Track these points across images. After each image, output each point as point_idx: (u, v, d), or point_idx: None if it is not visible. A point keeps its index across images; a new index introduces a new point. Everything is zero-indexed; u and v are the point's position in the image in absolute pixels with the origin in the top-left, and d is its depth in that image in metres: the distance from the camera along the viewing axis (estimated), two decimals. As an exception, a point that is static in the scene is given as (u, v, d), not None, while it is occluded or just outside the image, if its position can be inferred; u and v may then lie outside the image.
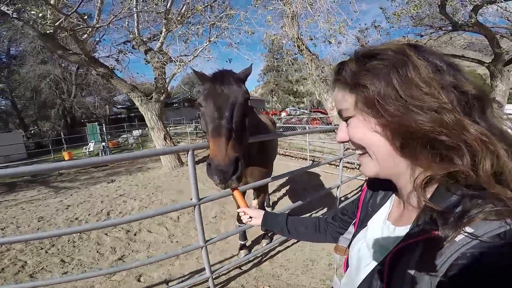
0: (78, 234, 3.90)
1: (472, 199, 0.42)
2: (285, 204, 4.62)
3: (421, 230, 0.47)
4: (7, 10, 5.52)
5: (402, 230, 0.56)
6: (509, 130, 0.49)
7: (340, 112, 0.61)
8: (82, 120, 28.21)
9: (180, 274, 2.83)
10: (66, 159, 11.62)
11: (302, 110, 29.02)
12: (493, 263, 0.37)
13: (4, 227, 4.58)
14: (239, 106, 1.46)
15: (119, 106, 38.01)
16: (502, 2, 7.48)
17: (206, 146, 1.51)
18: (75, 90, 26.36)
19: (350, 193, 5.01)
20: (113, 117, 33.88)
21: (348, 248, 0.78)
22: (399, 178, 0.57)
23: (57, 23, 5.61)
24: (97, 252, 3.42)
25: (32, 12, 5.28)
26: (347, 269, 0.78)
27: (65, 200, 5.99)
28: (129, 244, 3.59)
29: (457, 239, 0.41)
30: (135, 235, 3.86)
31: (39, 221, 4.70)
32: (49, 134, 24.12)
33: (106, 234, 3.89)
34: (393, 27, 10.31)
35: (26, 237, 2.15)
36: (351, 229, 0.82)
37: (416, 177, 0.50)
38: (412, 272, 0.45)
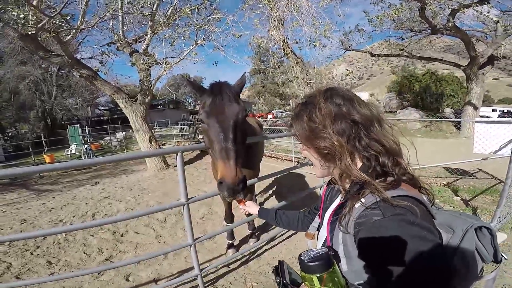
0: (64, 235, 3.85)
1: (367, 186, 0.69)
2: (271, 205, 4.73)
3: (343, 202, 0.78)
4: (-14, 10, 5.35)
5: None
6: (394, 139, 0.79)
7: None
8: (63, 122, 27.42)
9: (168, 273, 2.88)
10: (47, 162, 11.26)
11: (288, 112, 29.34)
12: (372, 219, 0.63)
13: (-16, 231, 4.45)
14: (240, 125, 1.55)
15: (101, 108, 37.22)
16: (478, 5, 7.93)
17: (194, 149, 1.59)
18: (55, 91, 25.59)
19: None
20: (95, 119, 33.09)
21: (316, 234, 1.01)
22: (334, 176, 0.83)
23: (39, 25, 5.51)
24: (84, 253, 3.40)
25: (13, 13, 5.15)
26: None
27: (47, 202, 5.86)
28: (116, 245, 3.59)
29: (356, 205, 0.68)
30: (122, 236, 3.86)
31: (22, 224, 4.60)
32: (27, 136, 23.28)
33: (92, 235, 3.86)
34: (375, 30, 10.71)
35: (13, 237, 2.15)
36: (317, 219, 1.05)
37: (338, 176, 0.79)
38: (338, 228, 0.72)
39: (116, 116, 31.16)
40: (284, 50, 8.61)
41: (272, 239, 3.46)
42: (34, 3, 5.02)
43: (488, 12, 8.96)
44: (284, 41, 8.42)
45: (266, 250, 3.26)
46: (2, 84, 22.03)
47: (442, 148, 6.38)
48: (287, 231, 3.66)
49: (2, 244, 3.69)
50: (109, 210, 5.03)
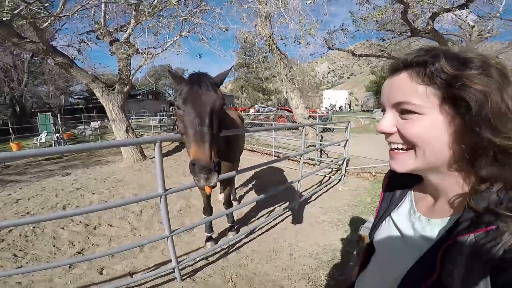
0: (31, 228, 3.64)
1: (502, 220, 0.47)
2: (251, 198, 4.73)
3: (472, 223, 0.50)
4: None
5: (439, 222, 0.61)
6: None
7: (397, 104, 0.59)
8: (33, 110, 25.92)
9: (144, 266, 2.79)
10: (14, 150, 10.60)
11: (270, 107, 29.43)
12: None
13: None
14: (217, 112, 1.57)
15: (76, 97, 35.56)
16: (457, 10, 8.25)
17: (173, 139, 1.59)
18: (26, 78, 24.10)
19: (310, 187, 5.27)
20: (69, 107, 31.64)
21: (369, 237, 0.85)
22: (441, 180, 0.60)
23: (15, 11, 5.14)
24: (54, 246, 3.23)
25: None
26: (365, 257, 0.88)
27: (13, 193, 5.49)
28: (88, 238, 3.43)
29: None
30: (94, 229, 3.69)
31: (-17, 216, 4.28)
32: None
33: (62, 228, 3.68)
34: (359, 30, 10.92)
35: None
36: (371, 219, 0.91)
37: (466, 180, 0.56)
38: (465, 259, 0.49)
39: (91, 105, 30.02)
40: (269, 46, 8.57)
41: (252, 232, 3.46)
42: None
43: (466, 17, 9.36)
44: (270, 37, 8.38)
45: (245, 243, 3.25)
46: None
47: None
48: (266, 224, 3.67)
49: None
50: (81, 202, 4.80)
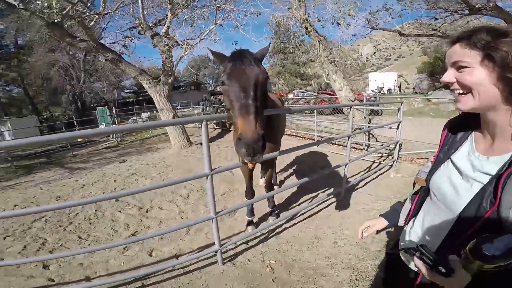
0: (94, 212, 4.08)
1: None
2: (292, 182, 4.68)
3: None
4: (14, 1, 5.57)
5: (496, 159, 0.76)
6: None
7: (454, 63, 0.80)
8: (92, 105, 28.68)
9: (189, 248, 2.95)
10: (79, 141, 11.93)
11: (309, 92, 28.48)
12: None
13: (25, 207, 4.81)
14: (261, 86, 1.59)
15: (126, 91, 38.42)
16: None
17: (219, 118, 1.62)
18: (83, 76, 26.80)
19: (357, 174, 5.00)
20: (121, 101, 34.34)
21: (426, 181, 1.00)
22: (496, 116, 0.76)
23: (64, 12, 5.66)
24: (112, 228, 3.59)
25: (38, 1, 5.34)
26: (418, 203, 1.05)
27: (80, 180, 6.22)
28: (141, 220, 3.74)
29: None
30: (147, 211, 4.02)
31: (57, 200, 4.93)
32: (60, 118, 24.76)
33: (119, 211, 4.06)
34: (405, 9, 9.94)
35: (47, 207, 2.28)
36: (429, 164, 1.05)
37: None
38: None
39: (141, 98, 32.18)
40: (306, 28, 8.22)
41: (293, 217, 3.44)
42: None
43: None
44: (305, 19, 8.03)
45: (285, 228, 3.25)
46: (34, 71, 23.33)
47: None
48: (308, 210, 3.61)
49: (39, 220, 3.96)
50: (136, 186, 5.24)
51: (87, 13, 6.55)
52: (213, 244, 2.55)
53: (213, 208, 2.35)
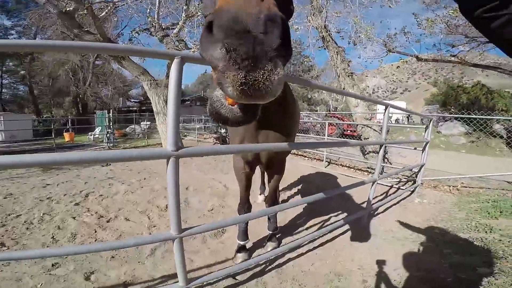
0: (41, 215, 3.14)
1: None
2: (303, 199, 3.76)
3: None
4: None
5: None
6: None
7: None
8: (95, 110, 28.34)
9: (148, 277, 2.00)
10: (66, 140, 11.15)
11: (316, 118, 27.91)
12: None
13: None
14: None
15: (132, 100, 38.32)
16: None
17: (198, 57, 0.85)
18: (90, 78, 26.56)
19: (374, 198, 4.06)
20: (125, 109, 34.07)
21: None
22: None
23: None
24: (52, 237, 2.62)
25: None
26: None
27: (48, 179, 5.29)
28: (95, 231, 2.78)
29: None
30: (108, 221, 3.06)
31: (4, 198, 3.92)
32: (60, 120, 24.26)
33: (74, 217, 3.11)
34: (424, 34, 9.61)
35: None
36: None
37: None
38: None
39: (144, 108, 31.84)
40: (323, 38, 7.66)
41: (299, 245, 2.50)
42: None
43: None
44: (324, 26, 7.49)
45: (290, 259, 2.31)
46: (44, 70, 23.17)
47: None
48: (319, 237, 2.67)
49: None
50: (107, 191, 4.29)
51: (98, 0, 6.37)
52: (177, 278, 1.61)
53: (176, 221, 1.46)
